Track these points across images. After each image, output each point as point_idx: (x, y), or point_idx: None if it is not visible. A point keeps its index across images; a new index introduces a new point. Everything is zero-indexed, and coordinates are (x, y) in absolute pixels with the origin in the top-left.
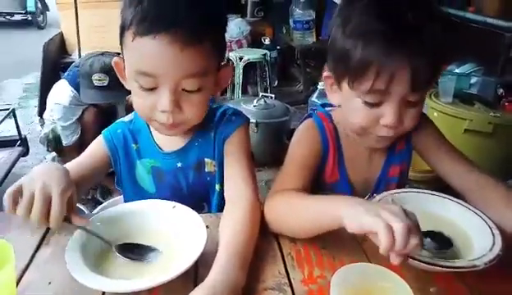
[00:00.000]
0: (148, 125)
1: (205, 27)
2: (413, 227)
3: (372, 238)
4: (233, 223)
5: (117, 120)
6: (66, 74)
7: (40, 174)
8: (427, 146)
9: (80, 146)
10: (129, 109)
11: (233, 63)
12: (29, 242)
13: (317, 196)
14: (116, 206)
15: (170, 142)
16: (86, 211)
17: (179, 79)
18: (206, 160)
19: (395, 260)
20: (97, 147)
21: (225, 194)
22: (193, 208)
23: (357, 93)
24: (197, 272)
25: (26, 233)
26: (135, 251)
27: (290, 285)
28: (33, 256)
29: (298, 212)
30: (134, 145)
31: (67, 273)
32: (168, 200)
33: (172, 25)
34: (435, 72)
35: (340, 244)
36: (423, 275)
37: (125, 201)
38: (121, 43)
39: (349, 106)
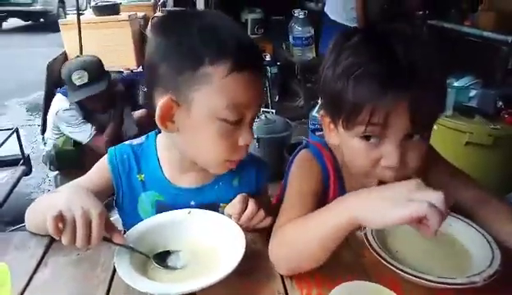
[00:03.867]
0: (156, 154)
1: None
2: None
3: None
4: None
5: (126, 143)
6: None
7: (75, 200)
8: (424, 164)
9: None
10: (141, 123)
11: None
12: (27, 264)
13: (318, 211)
14: (145, 221)
15: (182, 178)
16: None
17: (258, 108)
18: (221, 204)
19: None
20: (101, 171)
21: None
22: None
23: (353, 133)
24: None
25: (24, 255)
26: (172, 259)
27: None
28: (31, 278)
29: (307, 237)
30: (138, 176)
31: (66, 294)
32: None
33: (257, 62)
34: (437, 104)
35: (338, 262)
36: (422, 292)
37: (124, 226)
38: (195, 83)
39: (347, 146)
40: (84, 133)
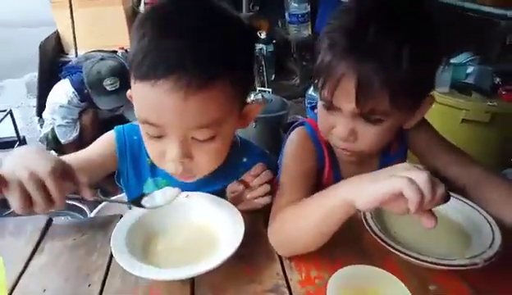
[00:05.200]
0: None
1: (218, 67)
2: (432, 176)
3: (393, 206)
4: None
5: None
6: (71, 75)
7: (19, 160)
8: (422, 144)
9: (80, 147)
10: None
11: None
12: (23, 250)
13: (312, 197)
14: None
15: None
16: (88, 211)
17: (186, 130)
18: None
19: (428, 221)
20: (105, 147)
21: None
22: None
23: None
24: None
25: (20, 241)
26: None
27: (288, 286)
28: (27, 264)
29: (303, 223)
30: (148, 159)
31: (62, 280)
32: None
33: (173, 70)
34: (397, 95)
35: (337, 244)
36: (423, 273)
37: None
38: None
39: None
40: (64, 134)
